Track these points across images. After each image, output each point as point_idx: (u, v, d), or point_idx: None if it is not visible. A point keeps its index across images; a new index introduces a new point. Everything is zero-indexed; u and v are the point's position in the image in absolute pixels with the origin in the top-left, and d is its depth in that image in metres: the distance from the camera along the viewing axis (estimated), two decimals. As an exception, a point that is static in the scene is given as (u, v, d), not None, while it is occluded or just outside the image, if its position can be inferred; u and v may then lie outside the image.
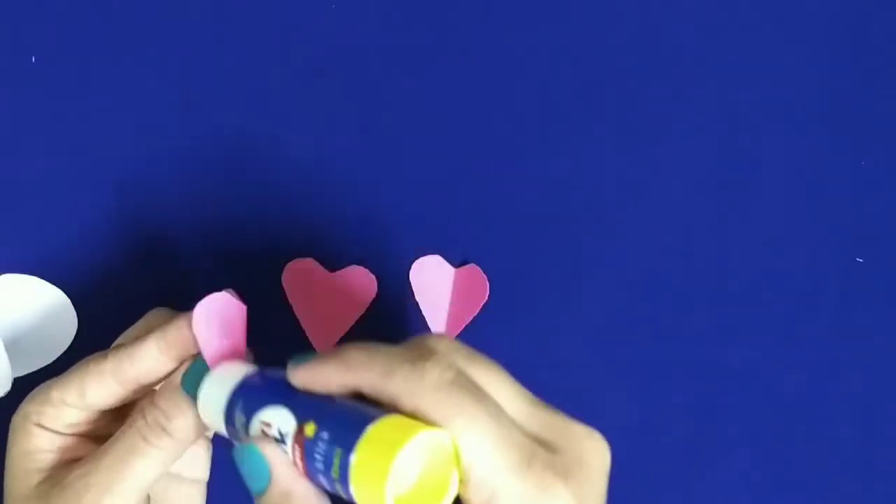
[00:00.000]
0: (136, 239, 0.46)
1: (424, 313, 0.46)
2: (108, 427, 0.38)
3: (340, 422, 0.31)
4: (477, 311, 0.46)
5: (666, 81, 0.48)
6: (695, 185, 0.48)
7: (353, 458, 0.30)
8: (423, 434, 0.30)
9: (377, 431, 0.30)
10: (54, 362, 0.44)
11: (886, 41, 0.49)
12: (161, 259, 0.46)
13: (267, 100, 0.47)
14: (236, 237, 0.46)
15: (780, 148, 0.48)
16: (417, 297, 0.46)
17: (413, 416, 0.30)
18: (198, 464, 0.41)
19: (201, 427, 0.37)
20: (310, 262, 0.45)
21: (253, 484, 0.33)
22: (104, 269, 0.45)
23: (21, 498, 0.37)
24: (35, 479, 0.37)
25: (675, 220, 0.48)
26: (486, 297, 0.46)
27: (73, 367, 0.38)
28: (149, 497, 0.39)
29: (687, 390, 0.46)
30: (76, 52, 0.47)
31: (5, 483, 0.37)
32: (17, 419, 0.37)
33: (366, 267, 0.46)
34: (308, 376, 0.33)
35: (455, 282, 0.46)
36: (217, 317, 0.36)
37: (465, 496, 0.31)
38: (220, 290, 0.37)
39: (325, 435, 0.31)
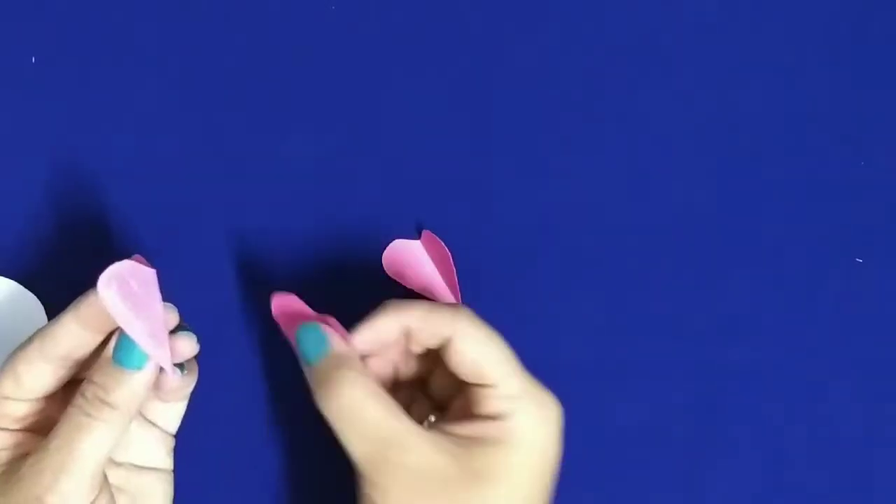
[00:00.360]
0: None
1: (423, 293, 0.46)
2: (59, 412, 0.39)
3: None
4: (454, 271, 0.45)
5: (665, 81, 0.48)
6: (694, 185, 0.48)
7: None
8: None
9: None
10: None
11: (886, 41, 0.49)
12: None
13: (267, 100, 0.47)
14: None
15: (779, 148, 0.48)
16: (407, 284, 0.46)
17: (450, 335, 0.39)
18: (156, 452, 0.41)
19: (143, 396, 0.37)
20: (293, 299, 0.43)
21: (314, 350, 0.38)
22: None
23: None
24: None
25: (674, 219, 0.48)
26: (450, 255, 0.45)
27: (2, 363, 0.38)
28: (111, 487, 0.39)
29: (687, 390, 0.46)
30: (76, 53, 0.47)
31: None
32: None
33: (364, 267, 0.46)
34: (370, 334, 0.39)
35: (428, 252, 0.46)
36: (126, 286, 0.36)
37: (490, 397, 0.38)
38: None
39: None
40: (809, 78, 0.49)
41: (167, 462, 0.42)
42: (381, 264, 0.46)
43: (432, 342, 0.39)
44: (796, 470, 0.46)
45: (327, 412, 0.37)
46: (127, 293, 0.36)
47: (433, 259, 0.46)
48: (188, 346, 0.39)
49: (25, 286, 0.45)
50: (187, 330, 0.39)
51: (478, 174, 0.47)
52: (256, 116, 0.47)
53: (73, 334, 0.37)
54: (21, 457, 0.37)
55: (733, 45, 0.49)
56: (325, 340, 0.38)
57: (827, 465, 0.46)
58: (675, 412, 0.46)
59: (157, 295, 0.38)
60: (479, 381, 0.39)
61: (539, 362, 0.46)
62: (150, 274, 0.37)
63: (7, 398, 0.38)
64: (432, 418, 0.41)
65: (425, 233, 0.46)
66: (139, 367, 0.37)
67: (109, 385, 0.37)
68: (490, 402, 0.39)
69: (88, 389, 0.37)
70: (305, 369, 0.39)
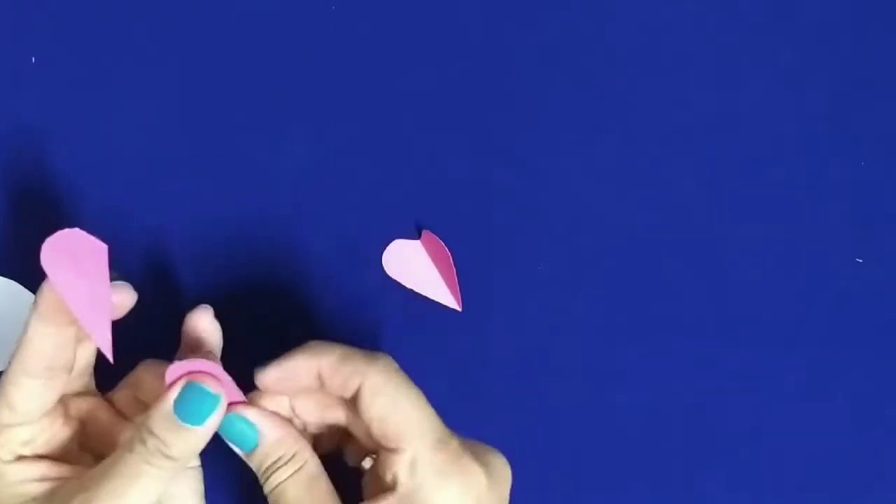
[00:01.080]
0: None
1: (424, 293, 0.46)
2: (69, 436, 0.39)
3: None
4: (454, 271, 0.45)
5: (666, 81, 0.48)
6: (694, 185, 0.48)
7: None
8: None
9: None
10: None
11: (886, 41, 0.49)
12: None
13: (267, 100, 0.47)
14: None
15: (779, 148, 0.48)
16: (407, 284, 0.46)
17: (359, 390, 0.36)
18: None
19: (201, 445, 0.37)
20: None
21: (246, 443, 0.38)
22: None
23: None
24: None
25: (674, 219, 0.48)
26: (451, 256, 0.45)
27: None
28: None
29: (687, 390, 0.46)
30: (76, 53, 0.47)
31: None
32: None
33: (365, 267, 0.46)
34: (277, 376, 0.38)
35: (428, 252, 0.46)
36: (72, 257, 0.35)
37: (393, 465, 0.36)
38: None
39: None
40: (809, 78, 0.49)
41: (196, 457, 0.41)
42: (382, 264, 0.46)
43: (343, 393, 0.37)
44: (796, 470, 0.46)
45: (267, 496, 0.38)
46: (70, 261, 0.35)
47: (433, 259, 0.46)
48: (126, 296, 0.38)
49: (26, 287, 0.45)
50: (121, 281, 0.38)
51: (478, 174, 0.47)
52: (256, 116, 0.47)
53: (45, 336, 0.36)
54: (51, 491, 0.37)
55: (733, 44, 0.49)
56: (253, 432, 0.38)
57: (827, 465, 0.46)
58: (675, 412, 0.46)
59: (105, 270, 0.36)
60: (385, 444, 0.36)
61: (539, 362, 0.46)
62: (100, 247, 0.36)
63: (6, 426, 0.37)
64: (366, 464, 0.40)
65: (425, 233, 0.46)
66: (201, 424, 0.36)
67: (171, 441, 0.36)
68: (393, 468, 0.36)
69: (150, 441, 0.36)
70: (242, 455, 0.39)
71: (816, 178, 0.48)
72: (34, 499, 0.37)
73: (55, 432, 0.39)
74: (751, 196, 0.48)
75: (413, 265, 0.46)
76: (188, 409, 0.36)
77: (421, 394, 0.37)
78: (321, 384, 0.38)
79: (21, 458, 0.38)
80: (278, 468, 0.37)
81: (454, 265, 0.45)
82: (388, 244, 0.46)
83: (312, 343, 0.38)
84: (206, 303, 0.40)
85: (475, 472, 0.36)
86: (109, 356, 0.36)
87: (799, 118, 0.49)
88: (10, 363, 0.37)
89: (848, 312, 0.47)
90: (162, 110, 0.47)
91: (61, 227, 0.45)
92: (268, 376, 0.38)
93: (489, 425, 0.40)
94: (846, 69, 0.49)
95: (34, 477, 0.38)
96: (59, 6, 0.47)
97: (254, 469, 0.39)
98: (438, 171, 0.47)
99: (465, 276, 0.46)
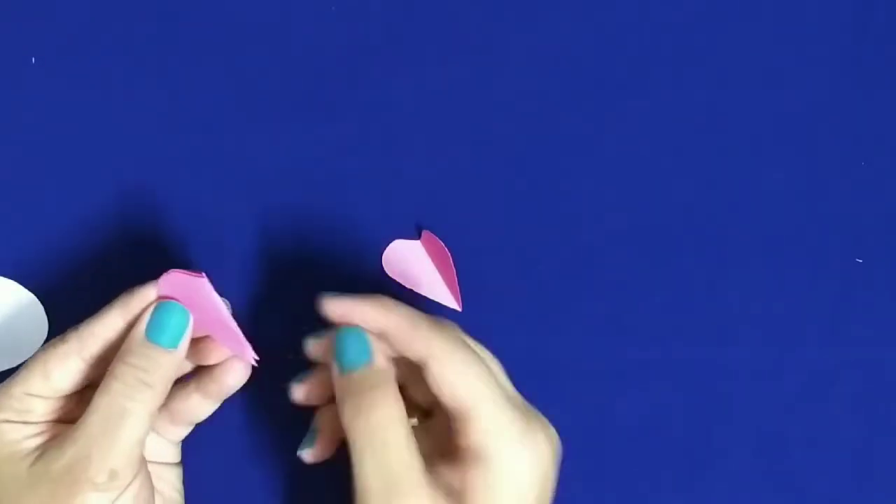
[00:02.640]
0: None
1: (424, 293, 0.46)
2: (77, 410, 0.39)
3: None
4: (454, 272, 0.45)
5: (666, 81, 0.48)
6: (694, 185, 0.48)
7: None
8: None
9: None
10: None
11: (887, 40, 0.49)
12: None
13: (267, 100, 0.47)
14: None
15: (779, 148, 0.48)
16: (407, 284, 0.46)
17: (426, 357, 0.37)
18: (161, 450, 0.42)
19: (175, 375, 0.38)
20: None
21: (355, 359, 0.37)
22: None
23: (16, 485, 0.36)
24: (26, 463, 0.37)
25: (674, 219, 0.48)
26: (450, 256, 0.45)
27: (30, 359, 0.38)
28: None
29: (687, 390, 0.46)
30: (76, 53, 0.47)
31: None
32: None
33: (364, 268, 0.46)
34: (347, 308, 0.38)
35: (428, 252, 0.46)
36: (180, 292, 0.37)
37: (463, 429, 0.36)
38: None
39: None
40: (810, 78, 0.49)
41: (177, 455, 0.42)
42: (381, 264, 0.46)
43: (407, 354, 0.37)
44: (796, 470, 0.46)
45: (351, 427, 0.36)
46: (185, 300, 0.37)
47: (433, 259, 0.46)
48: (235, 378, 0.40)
49: (27, 288, 0.45)
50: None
51: (478, 174, 0.47)
52: (256, 116, 0.47)
53: (117, 331, 0.38)
54: (49, 444, 0.37)
55: (734, 44, 0.49)
56: (368, 352, 0.37)
57: (827, 465, 0.46)
58: (675, 412, 0.46)
59: (214, 297, 0.38)
60: (456, 412, 0.37)
61: (539, 362, 0.46)
62: (199, 283, 0.38)
63: (32, 395, 0.38)
64: (414, 421, 0.40)
65: (425, 233, 0.46)
66: (174, 346, 0.37)
67: (148, 366, 0.37)
68: (469, 436, 0.36)
69: (128, 373, 0.37)
70: (335, 374, 0.38)
71: (816, 178, 0.48)
72: (28, 454, 0.37)
73: (68, 407, 0.39)
74: (751, 196, 0.48)
75: (413, 265, 0.46)
76: (159, 332, 0.37)
77: (491, 358, 0.38)
78: (383, 338, 0.38)
79: (27, 423, 0.38)
80: (382, 405, 0.36)
81: (454, 265, 0.45)
82: (388, 244, 0.46)
83: (383, 297, 0.38)
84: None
85: (544, 436, 0.37)
86: (250, 360, 0.39)
87: (799, 117, 0.49)
88: (62, 341, 0.38)
89: (847, 313, 0.47)
90: (162, 110, 0.47)
91: (63, 229, 0.46)
92: (335, 305, 0.38)
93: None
94: (846, 69, 0.49)
95: (33, 433, 0.38)
96: (59, 7, 0.47)
97: (345, 392, 0.37)
98: (438, 171, 0.47)
99: (465, 276, 0.46)
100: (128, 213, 0.46)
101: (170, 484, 0.42)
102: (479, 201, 0.47)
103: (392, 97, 0.48)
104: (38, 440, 0.38)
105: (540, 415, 0.39)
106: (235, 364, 0.40)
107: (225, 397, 0.41)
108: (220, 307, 0.38)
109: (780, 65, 0.49)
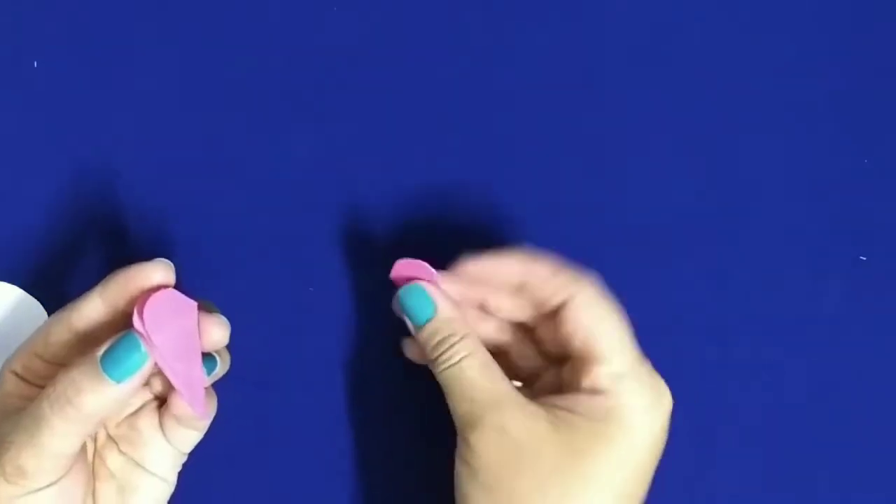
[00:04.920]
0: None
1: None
2: None
3: None
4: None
5: (667, 80, 0.48)
6: (696, 183, 0.48)
7: None
8: None
9: None
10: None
11: (888, 38, 0.49)
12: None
13: (267, 100, 0.47)
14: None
15: (782, 145, 0.48)
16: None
17: (566, 300, 0.39)
18: (161, 462, 0.41)
19: (114, 409, 0.36)
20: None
21: (420, 314, 0.39)
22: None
23: None
24: (4, 417, 0.37)
25: (676, 217, 0.47)
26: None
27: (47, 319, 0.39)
28: (105, 467, 0.40)
29: (687, 390, 0.46)
30: (78, 56, 0.47)
31: None
32: (2, 364, 0.39)
33: (366, 267, 0.46)
34: (488, 266, 0.40)
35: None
36: (162, 316, 0.36)
37: (595, 375, 0.38)
38: (194, 298, 0.37)
39: None
40: (812, 75, 0.49)
41: (170, 474, 0.41)
42: (380, 264, 0.46)
43: (550, 302, 0.39)
44: (796, 470, 0.46)
45: (437, 375, 0.39)
46: (162, 324, 0.36)
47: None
48: (218, 332, 0.38)
49: (28, 291, 0.46)
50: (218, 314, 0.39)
51: (478, 174, 0.47)
52: (256, 117, 0.47)
53: (95, 307, 0.38)
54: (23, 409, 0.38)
55: (736, 41, 0.49)
56: (431, 305, 0.39)
57: (828, 465, 0.46)
58: (675, 412, 0.46)
59: (195, 326, 0.37)
60: (589, 354, 0.38)
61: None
62: (189, 305, 0.37)
63: (36, 355, 0.38)
64: (517, 383, 0.41)
65: (398, 265, 0.42)
66: (119, 381, 0.36)
67: (84, 386, 0.36)
68: (598, 378, 0.38)
69: (61, 383, 0.36)
70: (412, 331, 0.40)
71: (820, 176, 0.48)
72: (5, 412, 0.38)
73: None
74: (753, 193, 0.48)
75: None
76: (112, 365, 0.36)
77: (621, 315, 0.39)
78: (523, 288, 0.40)
79: (27, 381, 0.39)
80: (452, 345, 0.39)
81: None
82: (388, 244, 0.46)
83: (525, 250, 0.40)
84: (206, 302, 0.40)
85: (665, 391, 0.39)
86: (199, 410, 0.38)
87: (801, 115, 0.48)
88: (61, 310, 0.38)
89: (851, 311, 0.47)
90: (163, 113, 0.47)
91: (64, 231, 0.46)
92: (476, 264, 0.40)
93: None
94: (849, 66, 0.49)
95: (25, 396, 0.38)
96: (61, 10, 0.47)
97: (424, 345, 0.40)
98: (438, 171, 0.47)
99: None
100: (126, 213, 0.46)
101: (148, 500, 0.41)
102: (480, 201, 0.47)
103: (393, 97, 0.48)
104: (24, 404, 0.38)
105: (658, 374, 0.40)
106: (182, 401, 0.39)
107: (194, 425, 0.40)
108: (196, 343, 0.37)
109: (782, 62, 0.49)
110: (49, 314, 0.45)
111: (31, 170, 0.47)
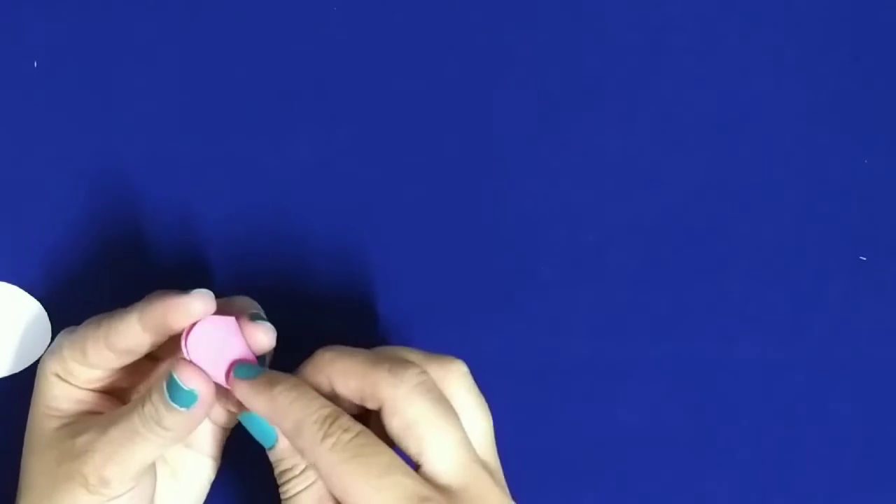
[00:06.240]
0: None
1: None
2: (128, 379, 0.40)
3: None
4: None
5: (666, 79, 0.48)
6: (696, 183, 0.48)
7: None
8: None
9: None
10: (26, 369, 0.45)
11: (889, 38, 0.49)
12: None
13: (267, 101, 0.47)
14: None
15: (782, 145, 0.48)
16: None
17: (383, 411, 0.36)
18: (206, 440, 0.42)
19: (196, 425, 0.38)
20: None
21: (264, 440, 0.38)
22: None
23: (39, 438, 0.39)
24: (54, 423, 0.39)
25: (676, 218, 0.47)
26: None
27: (82, 325, 0.39)
28: (166, 460, 0.40)
29: (687, 390, 0.46)
30: (78, 57, 0.47)
31: (27, 428, 0.39)
32: (39, 368, 0.39)
33: (365, 268, 0.46)
34: (309, 373, 0.38)
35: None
36: (206, 340, 0.38)
37: (426, 472, 0.36)
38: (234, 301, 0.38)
39: None
40: (812, 75, 0.48)
41: (215, 450, 0.42)
42: (380, 265, 0.46)
43: (368, 405, 0.37)
44: (796, 470, 0.46)
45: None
46: (209, 349, 0.38)
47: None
48: (265, 337, 0.39)
49: (29, 292, 0.45)
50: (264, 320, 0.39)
51: (478, 174, 0.47)
52: (256, 117, 0.47)
53: (135, 332, 0.38)
54: (83, 414, 0.39)
55: (736, 41, 0.49)
56: (272, 434, 0.38)
57: (828, 464, 0.46)
58: (675, 412, 0.46)
59: (239, 341, 0.38)
60: (414, 457, 0.36)
61: (539, 362, 0.46)
62: (228, 324, 0.38)
63: (76, 362, 0.39)
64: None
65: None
66: (187, 407, 0.37)
67: (163, 414, 0.37)
68: (431, 477, 0.36)
69: (147, 406, 0.37)
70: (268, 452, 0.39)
71: (820, 176, 0.48)
72: (60, 416, 0.39)
73: (118, 378, 0.40)
74: (753, 194, 0.48)
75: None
76: (175, 394, 0.37)
77: (452, 414, 0.36)
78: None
79: (70, 384, 0.39)
80: (290, 479, 0.38)
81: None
82: (388, 244, 0.46)
83: (326, 354, 0.38)
84: (244, 302, 0.40)
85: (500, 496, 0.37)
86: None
87: (801, 115, 0.48)
88: (96, 326, 0.38)
89: (851, 311, 0.47)
90: (164, 113, 0.47)
91: (65, 232, 0.46)
92: (302, 372, 0.38)
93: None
94: (849, 66, 0.49)
95: (73, 398, 0.39)
96: (61, 11, 0.47)
97: (274, 466, 0.39)
98: (438, 171, 0.47)
99: (465, 277, 0.46)
100: (127, 213, 0.46)
101: (200, 478, 0.42)
102: (480, 201, 0.47)
103: (393, 97, 0.48)
104: (78, 407, 0.39)
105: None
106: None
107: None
108: (246, 353, 0.38)
109: (781, 62, 0.49)
110: (49, 314, 0.45)
111: (31, 170, 0.47)
